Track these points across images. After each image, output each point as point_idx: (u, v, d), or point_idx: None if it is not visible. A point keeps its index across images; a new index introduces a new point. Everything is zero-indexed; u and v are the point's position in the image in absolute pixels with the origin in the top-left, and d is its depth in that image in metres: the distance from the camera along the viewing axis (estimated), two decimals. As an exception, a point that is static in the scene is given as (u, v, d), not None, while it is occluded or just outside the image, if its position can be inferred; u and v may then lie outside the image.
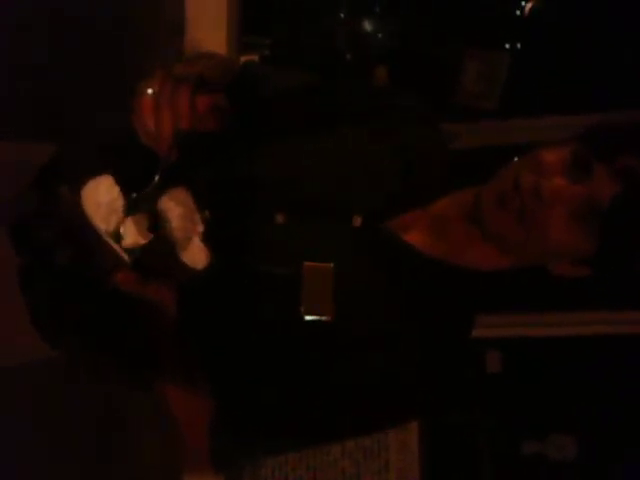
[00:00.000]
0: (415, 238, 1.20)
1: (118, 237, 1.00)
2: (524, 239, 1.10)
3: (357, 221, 1.19)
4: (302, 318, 1.13)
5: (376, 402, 1.15)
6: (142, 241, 1.01)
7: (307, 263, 1.14)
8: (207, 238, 1.05)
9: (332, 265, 1.14)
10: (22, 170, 1.32)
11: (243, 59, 2.97)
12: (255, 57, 3.15)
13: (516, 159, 1.13)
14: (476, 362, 3.13)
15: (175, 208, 1.03)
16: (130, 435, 2.49)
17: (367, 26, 3.38)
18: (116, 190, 1.01)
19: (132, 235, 1.01)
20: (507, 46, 3.21)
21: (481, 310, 1.23)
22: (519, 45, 3.22)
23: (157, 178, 1.04)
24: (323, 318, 1.13)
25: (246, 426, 1.17)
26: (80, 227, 1.00)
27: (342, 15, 3.36)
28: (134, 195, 1.03)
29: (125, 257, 1.00)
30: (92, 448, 2.33)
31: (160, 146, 1.08)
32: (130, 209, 1.01)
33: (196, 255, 1.04)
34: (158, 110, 1.06)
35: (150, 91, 1.07)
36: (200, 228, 1.05)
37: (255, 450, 1.27)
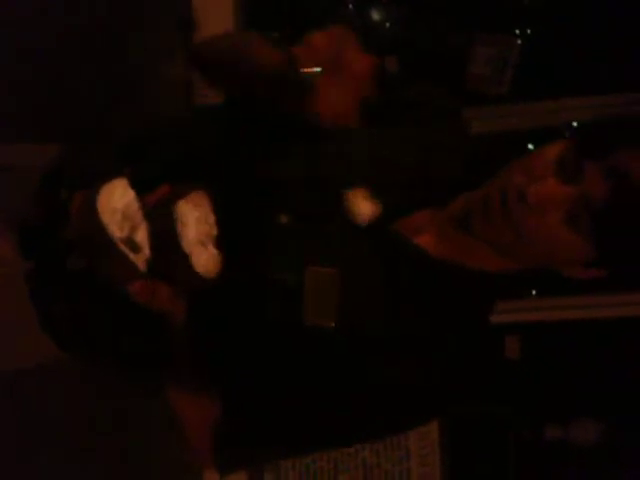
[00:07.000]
0: (424, 240, 1.16)
1: (133, 244, 0.97)
2: (516, 245, 1.08)
3: None
4: (304, 324, 1.10)
5: (391, 407, 1.13)
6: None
7: (310, 267, 1.11)
8: (219, 243, 1.02)
9: (336, 270, 1.11)
10: (26, 173, 1.33)
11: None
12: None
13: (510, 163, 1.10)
14: (495, 349, 3.11)
15: (193, 211, 1.00)
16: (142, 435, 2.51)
17: (375, 15, 3.37)
18: (131, 194, 0.98)
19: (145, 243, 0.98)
20: (517, 31, 3.19)
21: (496, 300, 1.20)
22: (529, 30, 3.19)
23: None
24: (325, 324, 1.10)
25: (251, 430, 1.16)
26: (94, 234, 0.95)
27: (350, 6, 3.36)
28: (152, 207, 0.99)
29: (139, 265, 0.97)
30: (102, 448, 2.34)
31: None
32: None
33: (209, 263, 1.01)
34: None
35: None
36: (215, 232, 1.03)
37: (260, 454, 1.26)
